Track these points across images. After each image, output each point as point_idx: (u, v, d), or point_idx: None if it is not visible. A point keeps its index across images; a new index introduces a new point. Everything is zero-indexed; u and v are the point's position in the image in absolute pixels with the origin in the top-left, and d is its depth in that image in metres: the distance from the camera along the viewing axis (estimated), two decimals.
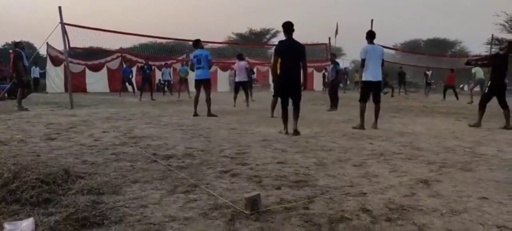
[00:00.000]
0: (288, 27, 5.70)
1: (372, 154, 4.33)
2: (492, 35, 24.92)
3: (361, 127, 6.41)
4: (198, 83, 8.49)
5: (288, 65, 5.61)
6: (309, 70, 28.31)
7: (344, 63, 39.12)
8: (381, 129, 6.53)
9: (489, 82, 7.19)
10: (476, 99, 14.69)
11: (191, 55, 8.62)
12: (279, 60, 5.62)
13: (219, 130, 6.22)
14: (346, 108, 11.19)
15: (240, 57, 11.74)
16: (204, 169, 3.52)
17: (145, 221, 2.24)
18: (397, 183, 3.13)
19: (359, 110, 6.56)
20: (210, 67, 8.54)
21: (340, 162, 3.88)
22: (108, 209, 2.41)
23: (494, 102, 7.05)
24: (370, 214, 2.38)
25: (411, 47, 38.17)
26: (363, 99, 6.61)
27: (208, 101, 8.41)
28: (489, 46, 25.22)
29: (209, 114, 8.26)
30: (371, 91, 6.66)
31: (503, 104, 6.96)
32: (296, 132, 5.62)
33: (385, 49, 6.95)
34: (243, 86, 11.57)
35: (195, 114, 8.25)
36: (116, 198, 2.63)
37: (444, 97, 17.49)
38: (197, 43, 8.58)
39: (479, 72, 14.84)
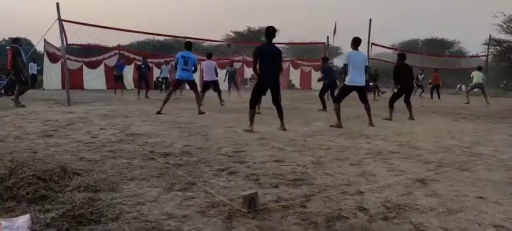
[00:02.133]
0: (270, 32, 6.03)
1: (369, 153, 4.34)
2: (490, 35, 25.05)
3: (339, 125, 6.56)
4: (179, 82, 8.78)
5: (267, 68, 5.90)
6: (307, 69, 28.40)
7: (342, 62, 39.20)
8: (378, 128, 6.55)
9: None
10: (473, 100, 14.87)
11: (178, 54, 8.55)
12: (259, 62, 5.92)
13: (216, 128, 6.22)
14: (344, 108, 11.19)
15: (209, 56, 11.24)
16: (202, 167, 3.51)
17: (142, 218, 2.23)
18: (394, 182, 3.13)
19: (335, 110, 6.77)
20: (194, 71, 8.69)
21: (337, 161, 3.88)
22: (105, 206, 2.40)
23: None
24: (367, 213, 2.39)
25: (409, 47, 38.23)
26: (338, 101, 6.88)
27: (198, 100, 8.60)
28: (486, 46, 25.34)
29: (200, 112, 8.38)
30: (348, 95, 6.97)
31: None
32: (283, 130, 5.94)
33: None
34: (213, 86, 10.94)
35: (159, 112, 8.17)
36: (113, 195, 2.62)
37: (432, 96, 17.67)
38: (188, 45, 8.71)
39: (477, 76, 14.96)
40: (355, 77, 6.71)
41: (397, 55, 8.80)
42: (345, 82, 6.86)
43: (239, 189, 2.83)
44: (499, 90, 27.81)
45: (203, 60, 11.65)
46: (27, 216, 2.08)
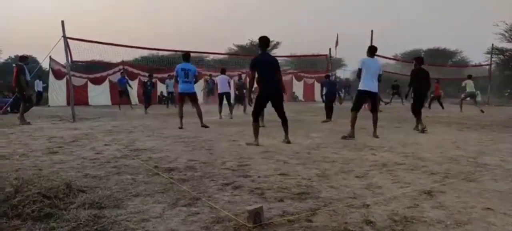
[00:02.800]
0: (263, 42, 6.01)
1: (374, 164, 4.31)
2: (492, 44, 25.04)
3: (351, 136, 6.51)
4: (183, 96, 8.71)
5: (266, 78, 5.87)
6: (310, 81, 28.45)
7: (344, 74, 39.21)
8: (383, 139, 6.52)
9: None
10: (466, 109, 14.85)
11: (178, 67, 8.57)
12: (257, 74, 5.90)
13: (220, 142, 6.22)
14: (347, 119, 11.19)
15: (223, 71, 12.11)
16: (206, 182, 3.51)
17: None
18: (400, 194, 3.10)
19: (351, 119, 6.71)
20: (195, 82, 8.75)
21: (342, 173, 3.86)
22: (110, 223, 2.39)
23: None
24: (373, 226, 2.36)
25: (412, 57, 38.26)
26: (355, 108, 6.79)
27: (200, 114, 8.61)
28: (489, 55, 25.33)
29: (202, 126, 8.41)
30: (364, 102, 6.85)
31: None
32: (287, 141, 5.91)
33: (385, 60, 7.20)
34: (227, 97, 11.82)
35: (181, 127, 8.29)
36: (117, 212, 2.62)
37: (430, 106, 17.63)
38: (187, 57, 8.72)
39: (469, 85, 15.13)
40: (368, 83, 6.66)
41: (414, 60, 8.42)
42: (359, 88, 6.80)
43: (244, 203, 2.82)
44: (504, 99, 27.65)
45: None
46: None
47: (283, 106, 6.06)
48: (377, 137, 6.70)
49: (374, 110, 7.00)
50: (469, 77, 15.73)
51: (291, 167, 4.19)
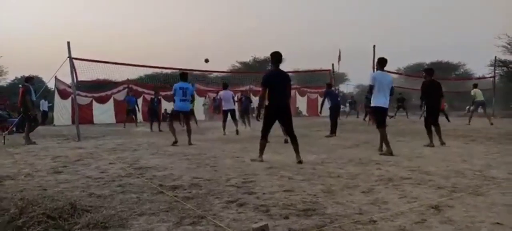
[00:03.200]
0: (276, 57, 5.87)
1: (380, 179, 4.27)
2: (495, 57, 25.04)
3: (389, 152, 6.31)
4: (178, 113, 9.01)
5: (276, 94, 5.73)
6: (313, 96, 28.48)
7: (348, 88, 39.23)
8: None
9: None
10: (473, 122, 14.71)
11: (176, 86, 8.77)
12: (268, 90, 5.73)
13: (224, 158, 6.21)
14: (352, 133, 11.16)
15: (225, 86, 12.18)
16: (211, 199, 3.49)
17: None
18: (407, 209, 3.07)
19: (381, 136, 6.59)
20: (192, 101, 8.96)
21: (348, 189, 3.82)
22: None
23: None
24: None
25: (415, 71, 38.28)
26: (382, 124, 6.67)
27: (189, 131, 8.76)
28: (492, 68, 25.28)
29: (190, 143, 8.52)
30: (383, 115, 6.76)
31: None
32: (299, 161, 5.57)
33: (388, 74, 7.08)
34: (231, 114, 11.84)
35: (176, 141, 8.51)
36: None
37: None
38: (184, 76, 8.97)
39: (478, 94, 14.80)
40: (381, 99, 6.58)
41: (424, 71, 8.22)
42: (372, 104, 6.74)
43: (249, 221, 2.79)
44: (509, 111, 27.46)
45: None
46: None
47: (292, 123, 5.88)
48: (391, 153, 6.31)
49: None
50: (475, 86, 15.44)
51: (296, 183, 4.16)
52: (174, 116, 9.22)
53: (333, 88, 13.03)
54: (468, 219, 2.77)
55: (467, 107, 28.39)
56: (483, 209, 3.04)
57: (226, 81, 13.51)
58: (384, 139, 6.51)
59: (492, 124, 14.02)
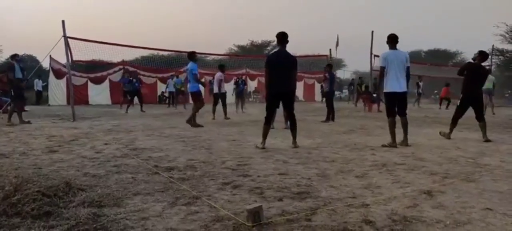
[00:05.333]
0: (282, 37, 5.54)
1: (374, 164, 4.31)
2: (493, 46, 25.03)
3: (393, 144, 5.65)
4: (196, 95, 8.91)
5: (278, 76, 5.46)
6: (311, 81, 28.43)
7: (345, 74, 39.17)
8: (383, 139, 6.50)
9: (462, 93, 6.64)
10: (470, 110, 14.61)
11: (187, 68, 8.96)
12: (269, 71, 5.50)
13: (220, 141, 6.22)
14: (348, 119, 11.19)
15: (221, 68, 11.69)
16: (206, 181, 3.51)
17: None
18: (400, 194, 3.10)
19: (388, 126, 5.78)
20: (196, 81, 8.73)
21: (342, 173, 3.86)
22: (109, 221, 2.39)
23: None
24: (373, 226, 2.36)
25: (412, 58, 38.26)
26: (391, 114, 5.80)
27: (193, 111, 8.76)
28: (490, 56, 25.29)
29: (188, 121, 8.52)
30: (396, 103, 5.80)
31: (479, 116, 6.54)
32: (295, 146, 5.56)
33: (402, 52, 5.93)
34: (221, 98, 11.40)
35: (198, 124, 8.55)
36: (117, 210, 2.62)
37: (440, 106, 17.56)
38: (190, 56, 8.86)
39: (488, 80, 14.22)
40: (392, 83, 5.68)
41: (479, 53, 6.55)
42: (385, 90, 5.82)
43: (243, 202, 2.82)
44: (504, 100, 27.64)
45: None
46: None
47: (293, 107, 5.73)
48: (408, 145, 5.75)
49: (403, 113, 5.84)
50: (489, 72, 14.96)
51: (290, 166, 4.19)
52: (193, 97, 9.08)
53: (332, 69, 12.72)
54: (460, 205, 2.81)
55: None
56: (474, 195, 3.08)
57: (223, 63, 12.81)
58: (391, 129, 5.73)
59: (494, 113, 13.89)
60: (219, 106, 11.29)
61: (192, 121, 8.51)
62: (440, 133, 6.91)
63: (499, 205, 2.80)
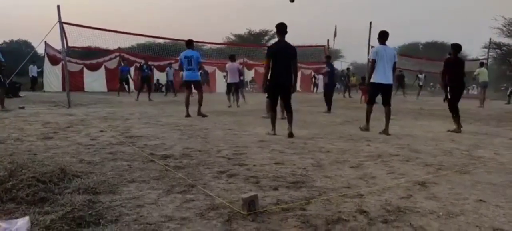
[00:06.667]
0: (281, 28, 5.69)
1: (369, 155, 4.33)
2: (490, 39, 25.08)
3: (366, 128, 6.41)
4: (188, 84, 8.56)
5: (278, 67, 5.59)
6: (307, 72, 28.38)
7: (342, 65, 39.16)
8: (378, 131, 6.54)
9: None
10: (466, 103, 14.71)
11: (181, 55, 8.49)
12: (271, 61, 5.60)
13: (216, 130, 6.22)
14: (344, 110, 11.21)
15: (232, 58, 11.97)
16: (202, 169, 3.51)
17: (142, 220, 2.23)
18: (394, 184, 3.13)
19: (366, 112, 6.52)
20: (199, 69, 8.63)
21: (337, 164, 3.88)
22: (105, 208, 2.40)
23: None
24: (367, 216, 2.38)
25: (410, 50, 38.27)
26: (371, 102, 6.50)
27: (200, 101, 8.51)
28: (486, 49, 25.38)
29: (199, 113, 8.34)
30: (379, 94, 6.39)
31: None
32: (290, 135, 5.58)
33: (391, 48, 6.54)
34: (235, 87, 11.95)
35: (187, 115, 8.23)
36: (112, 197, 2.62)
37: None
38: (190, 44, 8.55)
39: (482, 74, 14.24)
40: (380, 74, 6.21)
41: (452, 46, 7.08)
42: (371, 80, 6.36)
43: (239, 191, 2.83)
44: (500, 94, 27.80)
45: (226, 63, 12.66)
46: (27, 218, 2.08)
47: (290, 98, 5.84)
48: (388, 134, 6.07)
49: (387, 103, 6.37)
50: (481, 65, 14.83)
51: (286, 156, 4.20)
52: (186, 86, 8.83)
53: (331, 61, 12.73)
54: (453, 196, 2.84)
55: (469, 87, 28.34)
56: (468, 186, 3.11)
57: (233, 53, 13.20)
58: (367, 115, 6.46)
59: (483, 106, 14.02)
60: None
61: (200, 111, 8.38)
62: (448, 130, 6.77)
63: (492, 197, 2.83)
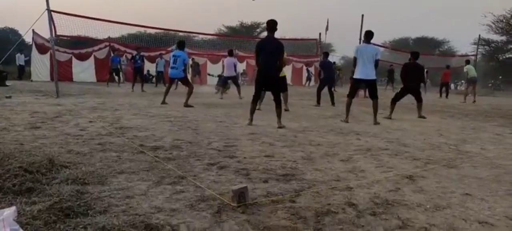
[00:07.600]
0: (270, 25, 5.96)
1: (359, 149, 4.37)
2: (479, 35, 25.37)
3: (346, 120, 6.84)
4: (171, 80, 9.77)
5: (265, 60, 5.88)
6: (299, 65, 28.39)
7: (333, 59, 39.29)
8: (368, 125, 6.60)
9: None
10: (454, 98, 14.98)
11: (171, 53, 9.46)
12: (260, 56, 5.93)
13: (207, 122, 6.20)
14: (335, 104, 11.25)
15: (230, 53, 12.39)
16: (192, 161, 3.50)
17: (131, 212, 2.22)
18: (383, 178, 3.16)
19: (346, 105, 7.03)
20: (184, 70, 9.21)
21: (327, 157, 3.90)
22: (93, 199, 2.38)
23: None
24: (355, 208, 2.41)
25: (400, 45, 38.55)
26: (351, 95, 7.03)
27: (189, 93, 8.91)
28: (475, 46, 25.69)
29: (186, 105, 8.63)
30: (359, 89, 7.03)
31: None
32: (280, 127, 5.78)
33: (373, 46, 7.14)
34: (233, 81, 12.49)
35: (163, 102, 8.91)
36: (101, 188, 2.60)
37: (441, 95, 17.53)
38: (180, 45, 9.27)
39: (471, 70, 14.65)
40: (361, 71, 6.70)
41: (410, 54, 8.51)
42: (353, 76, 6.89)
43: (229, 183, 2.83)
44: (488, 90, 28.24)
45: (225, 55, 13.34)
46: (13, 208, 2.04)
47: (279, 90, 6.16)
48: (377, 123, 6.67)
49: (373, 96, 6.95)
50: (467, 62, 15.27)
51: (277, 149, 4.21)
52: (169, 81, 9.91)
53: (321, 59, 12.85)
54: (440, 189, 2.88)
55: (457, 82, 28.52)
56: (454, 180, 3.16)
57: (231, 49, 13.86)
58: (346, 107, 6.95)
59: (474, 101, 14.22)
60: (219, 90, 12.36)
61: (187, 103, 8.74)
62: (384, 117, 7.72)
63: (477, 190, 2.89)
